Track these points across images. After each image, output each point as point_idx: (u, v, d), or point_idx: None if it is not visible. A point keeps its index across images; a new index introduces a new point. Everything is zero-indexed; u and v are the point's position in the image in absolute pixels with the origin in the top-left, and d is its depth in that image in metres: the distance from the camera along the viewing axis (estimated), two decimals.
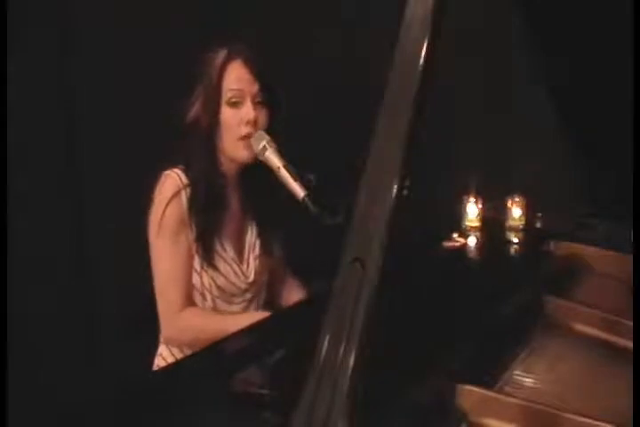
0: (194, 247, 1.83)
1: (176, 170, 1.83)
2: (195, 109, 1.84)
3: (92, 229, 2.53)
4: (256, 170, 1.87)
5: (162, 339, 1.92)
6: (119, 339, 2.49)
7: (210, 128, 1.82)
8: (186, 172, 1.83)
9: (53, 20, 2.40)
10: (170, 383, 1.43)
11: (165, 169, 1.85)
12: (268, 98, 1.85)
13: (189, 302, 1.85)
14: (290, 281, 2.10)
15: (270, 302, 2.04)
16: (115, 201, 2.44)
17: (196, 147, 1.83)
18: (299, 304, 1.96)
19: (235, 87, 1.82)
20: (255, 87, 1.83)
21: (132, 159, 2.37)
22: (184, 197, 1.81)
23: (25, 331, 2.33)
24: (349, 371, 0.96)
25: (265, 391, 1.36)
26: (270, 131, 1.82)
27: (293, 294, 2.08)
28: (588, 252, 2.00)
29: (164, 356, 1.93)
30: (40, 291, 2.42)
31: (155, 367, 1.94)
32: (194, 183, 1.81)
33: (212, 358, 1.54)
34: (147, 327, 1.97)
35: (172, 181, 1.82)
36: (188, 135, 1.84)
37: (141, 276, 1.88)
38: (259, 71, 1.84)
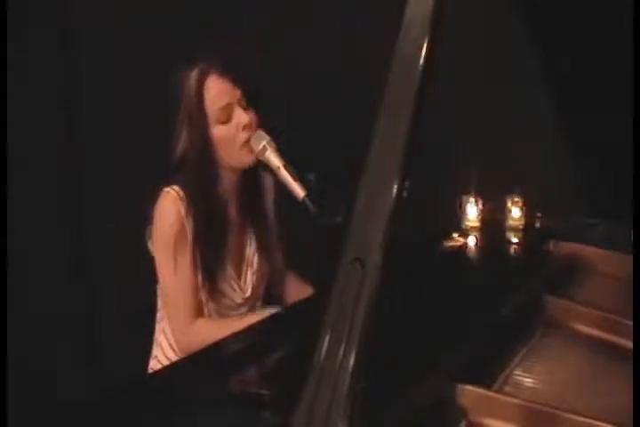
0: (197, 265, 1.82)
1: (175, 187, 1.80)
2: (182, 140, 1.78)
3: (92, 229, 2.53)
4: (254, 180, 1.86)
5: (177, 347, 1.91)
6: (119, 339, 2.49)
7: (203, 151, 1.77)
8: (185, 189, 1.80)
9: (53, 20, 2.40)
10: (170, 383, 1.43)
11: (164, 182, 1.82)
12: (252, 96, 1.81)
13: (199, 313, 1.85)
14: (294, 281, 2.09)
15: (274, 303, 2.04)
16: (115, 201, 2.44)
17: (193, 168, 1.79)
18: (299, 304, 1.96)
19: (221, 105, 1.77)
20: (238, 93, 1.78)
21: (133, 159, 2.37)
22: (185, 214, 1.79)
23: (25, 331, 2.33)
24: (349, 371, 0.96)
25: (265, 391, 1.36)
26: (263, 126, 1.80)
27: (299, 290, 2.08)
28: (588, 252, 2.00)
29: (159, 358, 1.93)
30: (40, 291, 2.42)
31: (149, 370, 1.94)
32: (194, 201, 1.78)
33: (211, 357, 1.54)
34: (146, 327, 1.97)
35: (171, 199, 1.79)
36: (182, 162, 1.80)
37: (141, 276, 1.88)
38: (237, 77, 1.79)
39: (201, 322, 1.84)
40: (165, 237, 1.79)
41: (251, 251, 1.95)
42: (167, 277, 1.82)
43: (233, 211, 1.90)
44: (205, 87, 1.76)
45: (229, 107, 1.77)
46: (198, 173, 1.79)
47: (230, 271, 1.89)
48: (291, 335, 1.55)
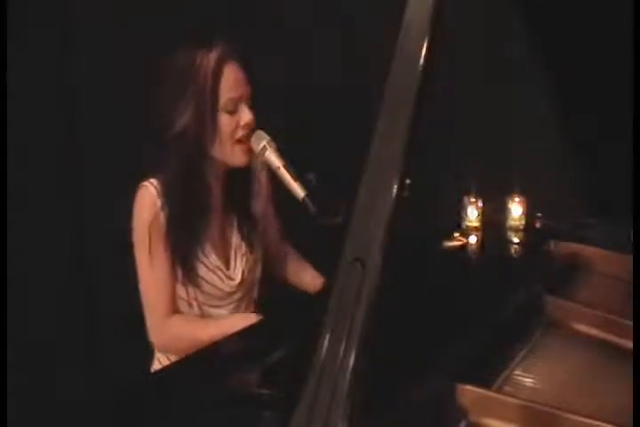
0: (174, 259, 1.81)
1: (153, 181, 1.79)
2: (184, 119, 1.75)
3: (92, 229, 2.53)
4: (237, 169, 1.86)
5: (155, 347, 1.92)
6: (119, 339, 2.49)
7: (200, 136, 1.76)
8: (163, 182, 1.79)
9: (53, 20, 2.40)
10: (169, 383, 1.43)
11: (143, 177, 1.82)
12: (255, 97, 1.82)
13: (174, 310, 1.84)
14: (293, 258, 2.12)
15: (273, 277, 2.06)
16: (115, 201, 2.43)
17: (181, 156, 1.77)
18: (299, 304, 1.96)
19: (234, 95, 1.76)
20: (249, 90, 1.79)
21: (133, 159, 2.37)
22: (161, 207, 1.78)
23: (25, 331, 2.33)
24: (349, 371, 0.96)
25: (265, 391, 1.36)
26: (263, 126, 1.80)
27: (295, 266, 2.11)
28: (588, 252, 1.99)
29: (161, 360, 1.93)
30: (40, 291, 2.42)
31: (150, 370, 1.94)
32: (172, 194, 1.78)
33: (211, 358, 1.54)
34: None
35: (147, 193, 1.79)
36: (173, 145, 1.78)
37: None
38: (253, 73, 1.79)
39: (177, 319, 1.84)
40: (141, 232, 1.79)
41: (237, 238, 1.94)
42: (144, 272, 1.82)
43: (216, 198, 1.87)
44: (224, 71, 1.75)
45: (239, 100, 1.77)
46: (189, 157, 1.77)
47: (214, 260, 1.87)
48: (290, 335, 1.55)
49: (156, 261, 1.79)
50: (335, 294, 1.00)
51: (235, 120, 1.78)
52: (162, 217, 1.78)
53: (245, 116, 1.78)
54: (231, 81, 1.76)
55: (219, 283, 1.88)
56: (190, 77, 1.75)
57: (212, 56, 1.75)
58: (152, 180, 1.80)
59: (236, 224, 1.94)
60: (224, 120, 1.77)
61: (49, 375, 2.44)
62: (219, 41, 1.78)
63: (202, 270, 1.84)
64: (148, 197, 1.79)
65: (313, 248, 2.12)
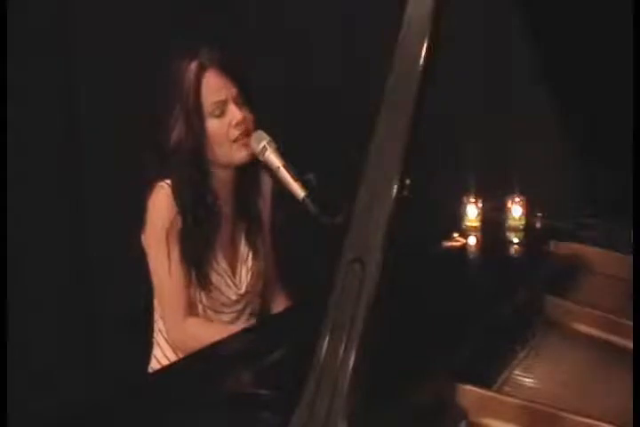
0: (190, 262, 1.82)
1: (169, 181, 1.80)
2: (178, 128, 1.77)
3: (92, 229, 2.53)
4: (250, 179, 1.87)
5: (169, 343, 1.91)
6: (119, 339, 2.49)
7: (195, 144, 1.77)
8: (178, 183, 1.79)
9: (53, 20, 2.40)
10: (169, 384, 1.43)
11: (158, 177, 1.82)
12: (250, 95, 1.82)
13: (191, 310, 1.85)
14: (279, 293, 2.09)
15: (259, 314, 2.03)
16: (115, 201, 2.44)
17: (186, 160, 1.78)
18: (298, 304, 1.96)
19: (216, 99, 1.77)
20: (235, 90, 1.79)
21: (133, 159, 2.37)
22: (178, 209, 1.78)
23: (25, 331, 2.33)
24: (349, 371, 0.96)
25: (264, 391, 1.36)
26: (262, 126, 1.80)
27: (281, 305, 2.07)
28: (588, 252, 1.99)
29: (159, 358, 1.93)
30: (40, 291, 2.42)
31: (149, 369, 1.94)
32: (186, 195, 1.78)
33: (211, 358, 1.54)
34: (146, 328, 1.97)
35: (165, 194, 1.79)
36: (175, 154, 1.79)
37: (141, 276, 1.88)
38: (236, 74, 1.80)
39: (194, 322, 1.84)
40: (158, 232, 1.79)
41: (245, 249, 1.94)
42: (160, 273, 1.82)
43: (226, 208, 1.88)
44: (204, 80, 1.77)
45: (224, 102, 1.78)
46: (191, 165, 1.78)
47: (224, 266, 1.88)
48: (291, 335, 1.55)
49: (173, 261, 1.80)
50: (335, 294, 1.00)
51: (226, 122, 1.78)
52: (179, 218, 1.79)
53: (235, 115, 1.78)
54: (212, 87, 1.77)
55: (225, 289, 1.89)
56: (176, 88, 1.78)
57: (192, 66, 1.77)
58: (167, 180, 1.80)
59: (244, 231, 1.94)
60: (214, 125, 1.78)
61: (49, 375, 2.44)
62: (198, 48, 1.79)
63: (211, 273, 1.85)
64: (165, 198, 1.79)
65: (312, 249, 2.11)
